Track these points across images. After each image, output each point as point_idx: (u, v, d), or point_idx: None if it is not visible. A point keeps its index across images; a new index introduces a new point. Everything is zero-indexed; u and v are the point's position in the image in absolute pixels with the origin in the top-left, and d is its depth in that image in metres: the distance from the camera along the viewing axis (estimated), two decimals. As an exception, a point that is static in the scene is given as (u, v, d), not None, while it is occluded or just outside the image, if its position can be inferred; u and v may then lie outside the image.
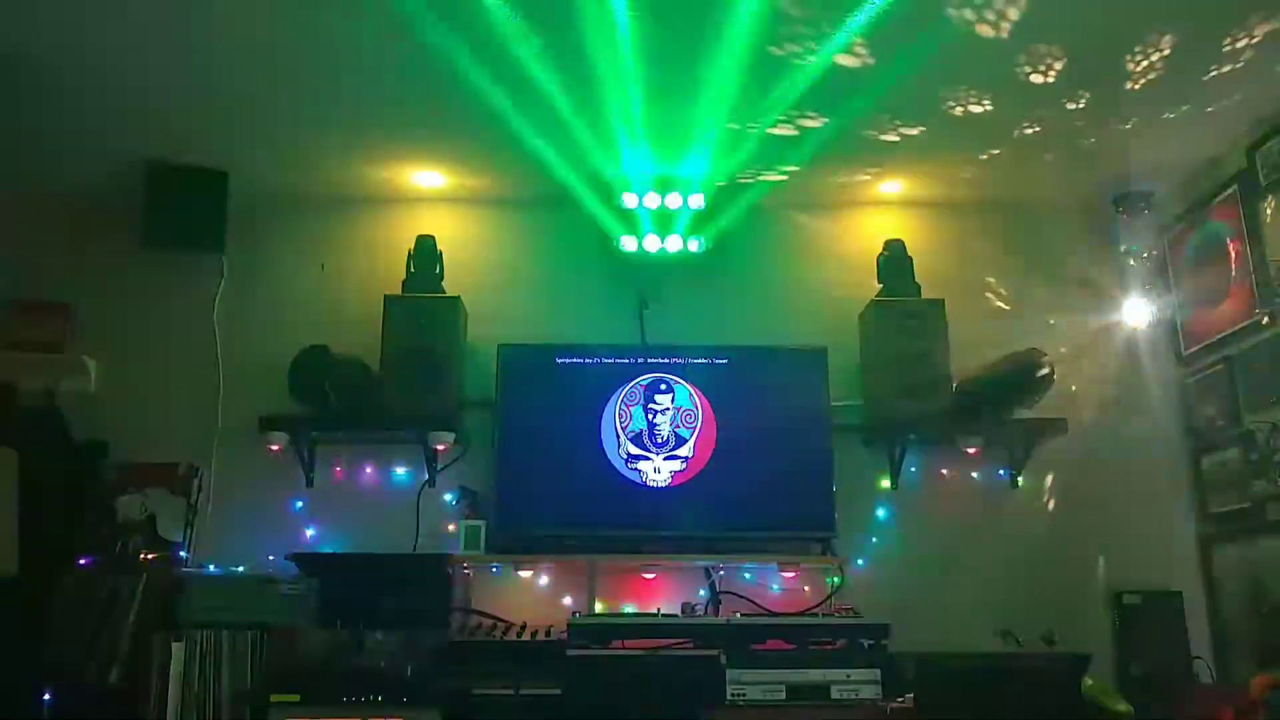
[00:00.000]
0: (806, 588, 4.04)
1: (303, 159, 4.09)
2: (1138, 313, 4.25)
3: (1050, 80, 3.47)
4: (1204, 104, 3.65)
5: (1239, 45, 3.30)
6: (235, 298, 4.20)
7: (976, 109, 3.65)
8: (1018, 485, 4.19)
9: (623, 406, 4.04)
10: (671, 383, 4.08)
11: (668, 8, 3.11)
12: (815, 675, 3.31)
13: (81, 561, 3.56)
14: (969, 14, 3.13)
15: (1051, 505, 4.16)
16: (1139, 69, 3.41)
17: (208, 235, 4.03)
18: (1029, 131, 3.81)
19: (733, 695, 3.27)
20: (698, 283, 4.27)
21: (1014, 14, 3.13)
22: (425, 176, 4.25)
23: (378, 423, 3.95)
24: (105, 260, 4.22)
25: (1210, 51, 3.33)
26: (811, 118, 3.71)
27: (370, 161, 4.12)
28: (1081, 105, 3.63)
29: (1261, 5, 3.14)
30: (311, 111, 3.73)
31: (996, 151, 3.98)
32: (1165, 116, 3.71)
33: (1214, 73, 3.44)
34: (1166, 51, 3.32)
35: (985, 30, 3.20)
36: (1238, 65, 3.40)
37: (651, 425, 4.04)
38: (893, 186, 4.32)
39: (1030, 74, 3.44)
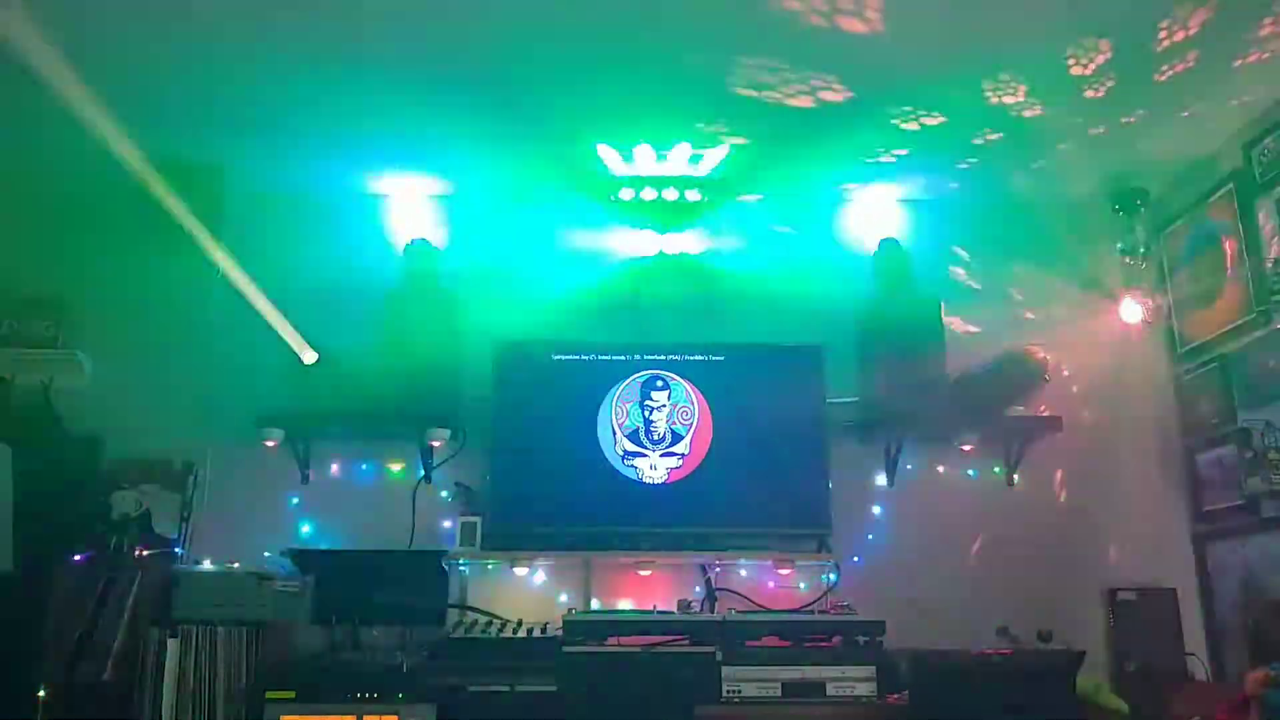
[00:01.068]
0: (802, 585, 4.04)
1: (300, 155, 4.08)
2: (1133, 310, 4.25)
3: (1048, 78, 3.47)
4: (1200, 102, 3.64)
5: (1235, 43, 3.31)
6: (231, 293, 4.18)
7: (972, 108, 3.65)
8: (1013, 482, 4.19)
9: (619, 403, 4.04)
10: (668, 380, 4.08)
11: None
12: (810, 672, 3.31)
13: (76, 557, 3.55)
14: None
15: (1047, 502, 4.16)
16: (1133, 66, 3.41)
17: (204, 230, 4.01)
18: (1024, 130, 3.80)
19: (728, 692, 3.28)
20: (695, 280, 4.27)
21: (1010, 9, 3.13)
22: (423, 174, 4.24)
23: (373, 419, 3.95)
24: (101, 255, 4.20)
25: (1206, 49, 3.33)
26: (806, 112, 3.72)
27: (368, 158, 4.12)
28: (1078, 104, 3.62)
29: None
30: (309, 108, 3.72)
31: (993, 150, 3.97)
32: (1161, 115, 3.71)
33: (1209, 70, 3.43)
34: (1162, 49, 3.32)
35: (985, 26, 3.20)
36: (1232, 62, 3.40)
37: (648, 422, 4.04)
38: (889, 184, 4.32)
39: (1026, 72, 3.45)
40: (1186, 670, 3.88)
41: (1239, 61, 3.39)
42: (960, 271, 4.37)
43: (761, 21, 3.15)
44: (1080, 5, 3.12)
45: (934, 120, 3.72)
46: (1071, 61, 3.37)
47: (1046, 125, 3.77)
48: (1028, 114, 3.69)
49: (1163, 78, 3.46)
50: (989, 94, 3.55)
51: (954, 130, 3.82)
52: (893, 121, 3.71)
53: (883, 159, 4.08)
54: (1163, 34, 3.25)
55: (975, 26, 3.19)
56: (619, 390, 4.05)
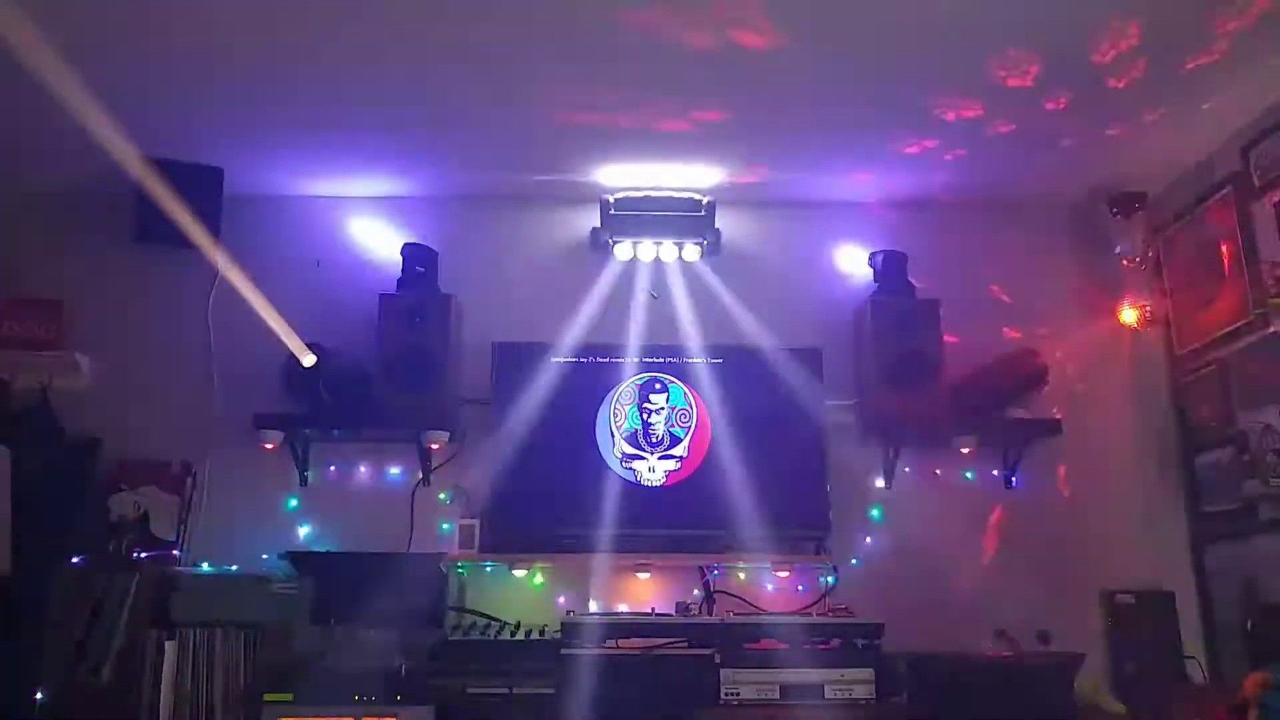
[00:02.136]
0: (800, 587, 4.04)
1: (298, 156, 4.08)
2: (1131, 313, 4.26)
3: (1045, 78, 3.47)
4: (1197, 104, 3.65)
5: (1230, 44, 3.31)
6: (229, 295, 4.18)
7: (972, 108, 3.66)
8: (1011, 485, 4.19)
9: (618, 406, 4.04)
10: (666, 382, 4.08)
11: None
12: (809, 675, 3.32)
13: (74, 560, 3.54)
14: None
15: (1045, 505, 4.16)
16: (1133, 66, 3.41)
17: (202, 232, 4.01)
18: (1024, 131, 3.80)
19: (726, 695, 3.28)
20: (693, 282, 4.27)
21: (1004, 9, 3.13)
22: (420, 174, 4.24)
23: (372, 421, 3.95)
24: (99, 257, 4.21)
25: (1204, 50, 3.33)
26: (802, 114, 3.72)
27: (364, 159, 4.12)
28: (1076, 104, 3.62)
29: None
30: (306, 109, 3.72)
31: (991, 151, 3.97)
32: (1159, 116, 3.71)
33: (1207, 72, 3.43)
34: (1161, 49, 3.32)
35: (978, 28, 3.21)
36: (1230, 64, 3.40)
37: (646, 425, 4.04)
38: (888, 186, 4.31)
39: (1025, 71, 3.45)
40: (1184, 673, 3.88)
41: (1237, 62, 3.39)
42: (959, 274, 4.36)
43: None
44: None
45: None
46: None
47: (1045, 126, 3.77)
48: (1024, 115, 3.70)
49: (1159, 78, 3.47)
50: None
51: (951, 132, 3.82)
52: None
53: (881, 161, 4.09)
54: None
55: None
56: (617, 393, 4.05)
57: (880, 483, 4.18)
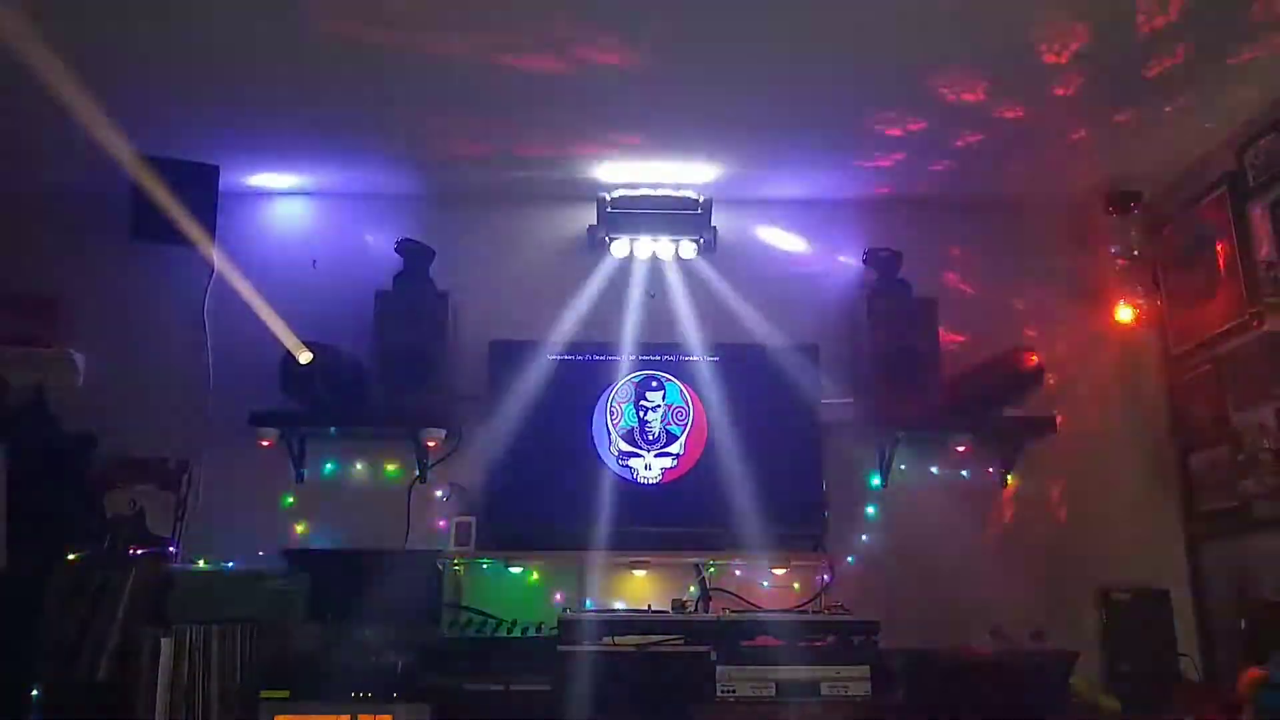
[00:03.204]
0: (796, 585, 4.05)
1: (293, 153, 4.08)
2: (1127, 312, 4.26)
3: (1044, 78, 3.48)
4: (1193, 104, 3.65)
5: (1228, 42, 3.32)
6: (225, 292, 4.17)
7: (968, 106, 3.66)
8: (1007, 483, 4.20)
9: (614, 403, 4.04)
10: (663, 380, 4.08)
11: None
12: (804, 672, 3.32)
13: (70, 557, 3.54)
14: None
15: (1041, 503, 4.17)
16: (1131, 67, 3.42)
17: (198, 229, 4.00)
18: (1020, 130, 3.81)
19: (722, 692, 3.28)
20: (689, 280, 4.27)
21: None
22: (416, 172, 4.24)
23: (368, 419, 3.95)
24: (95, 254, 4.20)
25: (1202, 51, 3.34)
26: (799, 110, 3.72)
27: (360, 156, 4.11)
28: (1073, 104, 3.63)
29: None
30: (302, 106, 3.72)
31: (987, 150, 3.97)
32: (1155, 115, 3.72)
33: (1205, 71, 3.44)
34: (1158, 51, 3.32)
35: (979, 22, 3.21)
36: (1228, 65, 3.41)
37: (643, 422, 4.04)
38: (884, 184, 4.31)
39: (1024, 71, 3.45)
40: (1179, 671, 3.89)
41: (1232, 61, 3.39)
42: (955, 272, 4.37)
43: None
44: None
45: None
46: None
47: (1042, 125, 3.77)
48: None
49: (1157, 77, 3.47)
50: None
51: (944, 129, 3.82)
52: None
53: (877, 161, 4.09)
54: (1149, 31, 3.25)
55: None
56: (614, 390, 4.05)
57: (876, 480, 4.19)
